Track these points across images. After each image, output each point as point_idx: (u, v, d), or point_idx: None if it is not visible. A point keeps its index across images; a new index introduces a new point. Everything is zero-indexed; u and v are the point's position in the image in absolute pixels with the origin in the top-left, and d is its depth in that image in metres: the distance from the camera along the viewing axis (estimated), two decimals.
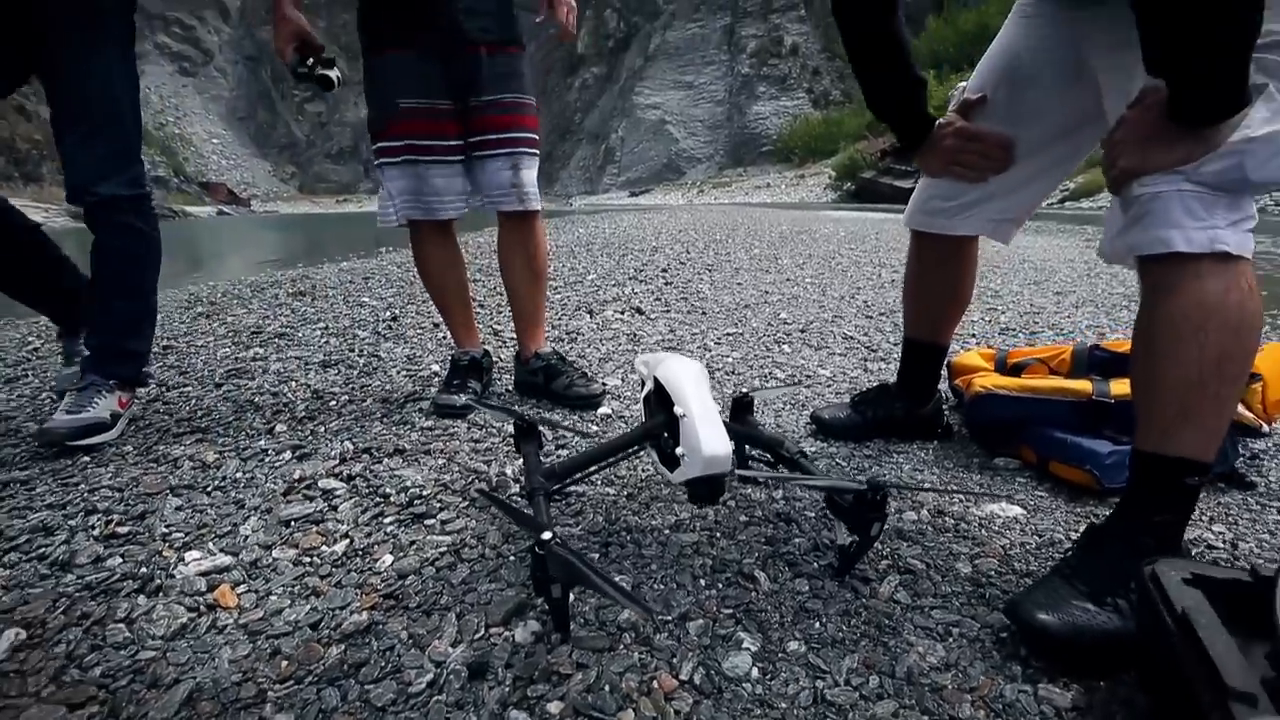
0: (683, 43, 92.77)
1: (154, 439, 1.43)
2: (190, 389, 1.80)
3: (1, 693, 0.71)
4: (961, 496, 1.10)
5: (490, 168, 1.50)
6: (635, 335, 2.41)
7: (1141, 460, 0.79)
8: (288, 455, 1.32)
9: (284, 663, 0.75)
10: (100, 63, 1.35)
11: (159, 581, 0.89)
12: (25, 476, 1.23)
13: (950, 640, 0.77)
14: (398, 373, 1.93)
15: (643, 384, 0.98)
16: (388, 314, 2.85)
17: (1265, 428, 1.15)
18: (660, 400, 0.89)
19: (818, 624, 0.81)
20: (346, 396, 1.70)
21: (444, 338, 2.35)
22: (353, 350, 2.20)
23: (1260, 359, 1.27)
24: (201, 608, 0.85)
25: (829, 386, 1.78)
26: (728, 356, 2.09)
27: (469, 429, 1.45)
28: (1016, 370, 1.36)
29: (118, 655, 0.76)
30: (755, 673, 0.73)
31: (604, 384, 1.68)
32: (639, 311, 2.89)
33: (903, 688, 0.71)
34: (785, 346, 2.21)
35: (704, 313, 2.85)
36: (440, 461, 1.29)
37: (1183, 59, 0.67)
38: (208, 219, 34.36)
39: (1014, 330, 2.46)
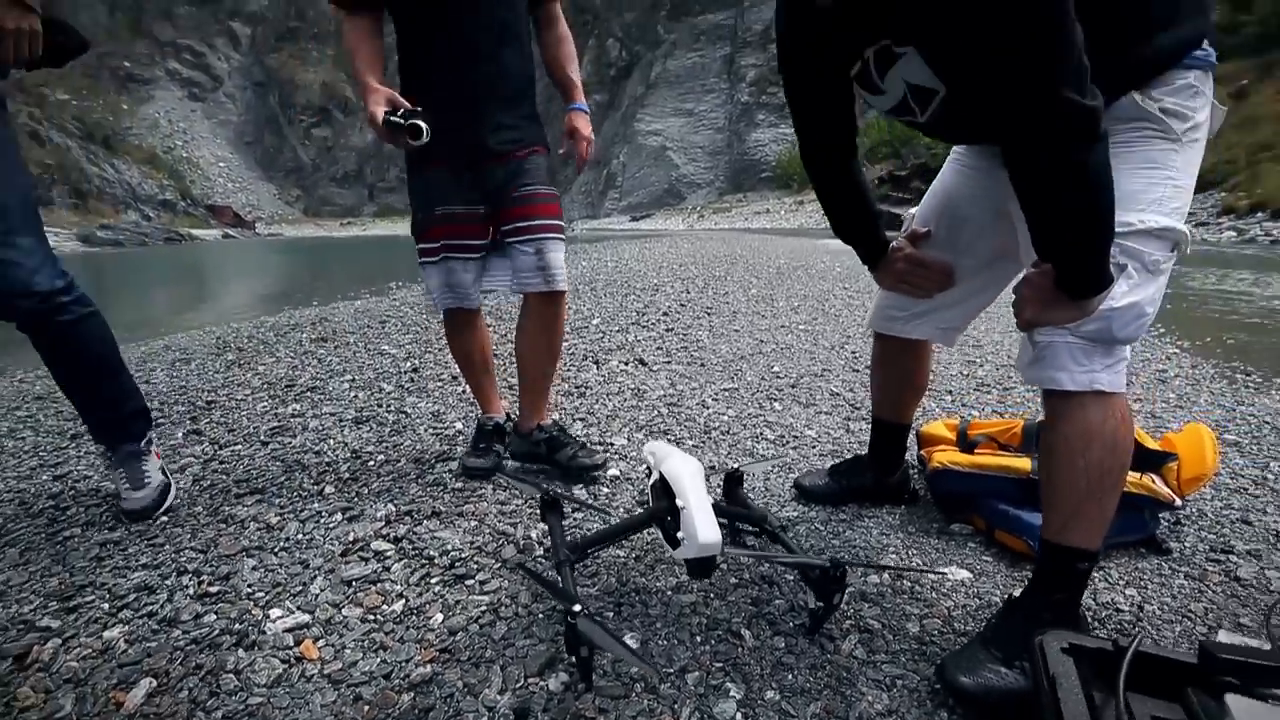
0: (683, 71, 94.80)
1: (219, 499, 1.63)
2: (240, 447, 2.00)
3: None
4: (915, 565, 1.30)
5: (519, 252, 1.64)
6: (640, 390, 2.62)
7: (1045, 547, 0.99)
8: (339, 517, 1.52)
9: (366, 707, 0.95)
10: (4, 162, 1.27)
11: (253, 637, 1.09)
12: (117, 538, 1.43)
13: (894, 690, 0.97)
14: (425, 430, 2.14)
15: (650, 471, 1.19)
16: (408, 364, 3.06)
17: (1178, 502, 1.35)
18: (664, 490, 1.09)
19: (790, 675, 1.01)
20: (382, 456, 1.91)
21: (464, 392, 2.56)
22: (380, 405, 2.41)
23: (1179, 438, 1.49)
24: (291, 660, 1.05)
25: (814, 448, 1.98)
26: (724, 414, 2.30)
27: (494, 491, 1.66)
28: (972, 446, 1.57)
29: (232, 700, 0.96)
30: (738, 716, 0.93)
31: (606, 454, 1.83)
32: (642, 363, 3.10)
33: None
34: (776, 404, 2.42)
35: (703, 364, 3.06)
36: (472, 524, 1.49)
37: (1058, 257, 0.89)
38: (214, 242, 34.81)
39: (989, 387, 2.67)
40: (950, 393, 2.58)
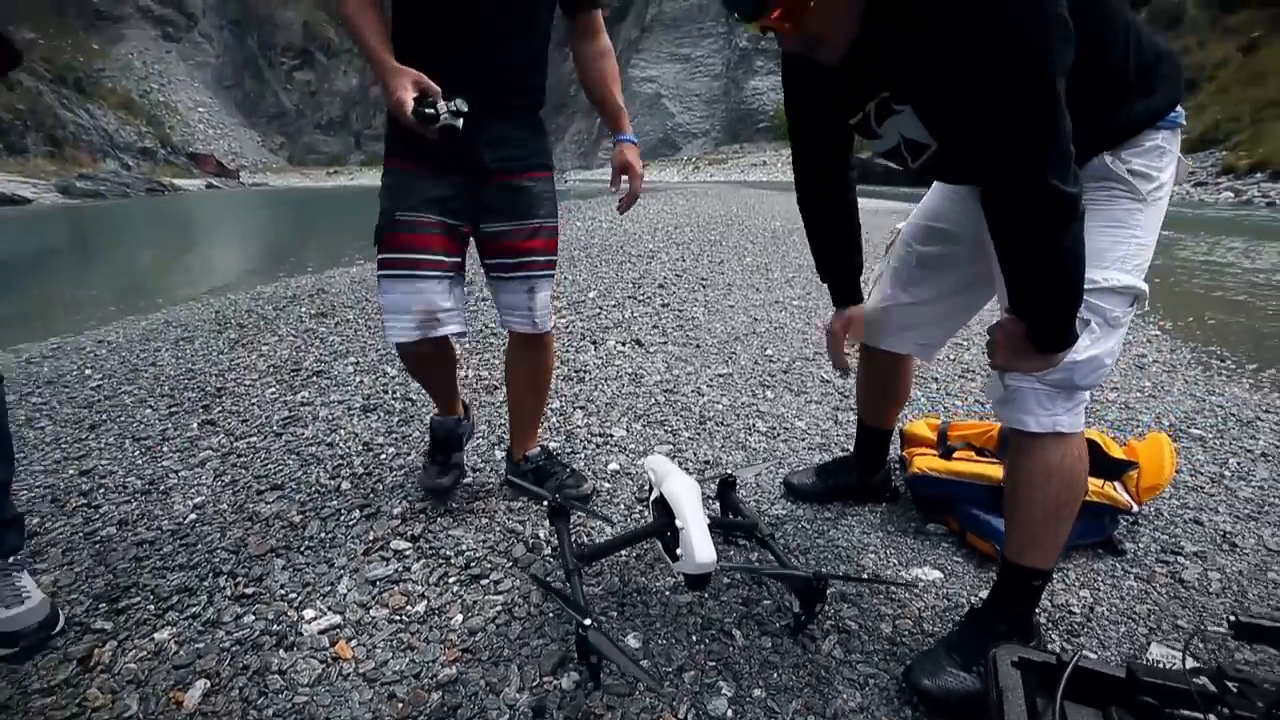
0: (680, 13, 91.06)
1: (241, 496, 1.73)
2: (255, 439, 2.09)
3: None
4: (891, 569, 1.43)
5: (505, 289, 1.53)
6: (636, 375, 2.70)
7: (1004, 565, 1.11)
8: (357, 514, 1.63)
9: (399, 704, 1.07)
10: None
11: (291, 638, 1.20)
12: (151, 538, 1.53)
13: (867, 689, 1.10)
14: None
15: (650, 488, 1.28)
16: None
17: (1135, 508, 1.47)
18: (664, 509, 1.19)
19: (776, 674, 1.13)
20: (393, 449, 2.00)
21: (464, 376, 2.64)
22: (386, 392, 2.49)
23: (1142, 447, 1.60)
24: (329, 660, 1.16)
25: (803, 440, 2.09)
26: (718, 403, 2.40)
27: (501, 489, 1.76)
28: (951, 451, 1.67)
29: (280, 699, 1.07)
30: (730, 713, 1.05)
31: (594, 482, 1.75)
32: (639, 344, 3.18)
33: None
34: (769, 392, 2.52)
35: (698, 345, 3.14)
36: (483, 521, 1.60)
37: (1030, 317, 0.96)
38: (198, 194, 33.95)
39: (973, 373, 2.77)
40: (935, 379, 2.69)
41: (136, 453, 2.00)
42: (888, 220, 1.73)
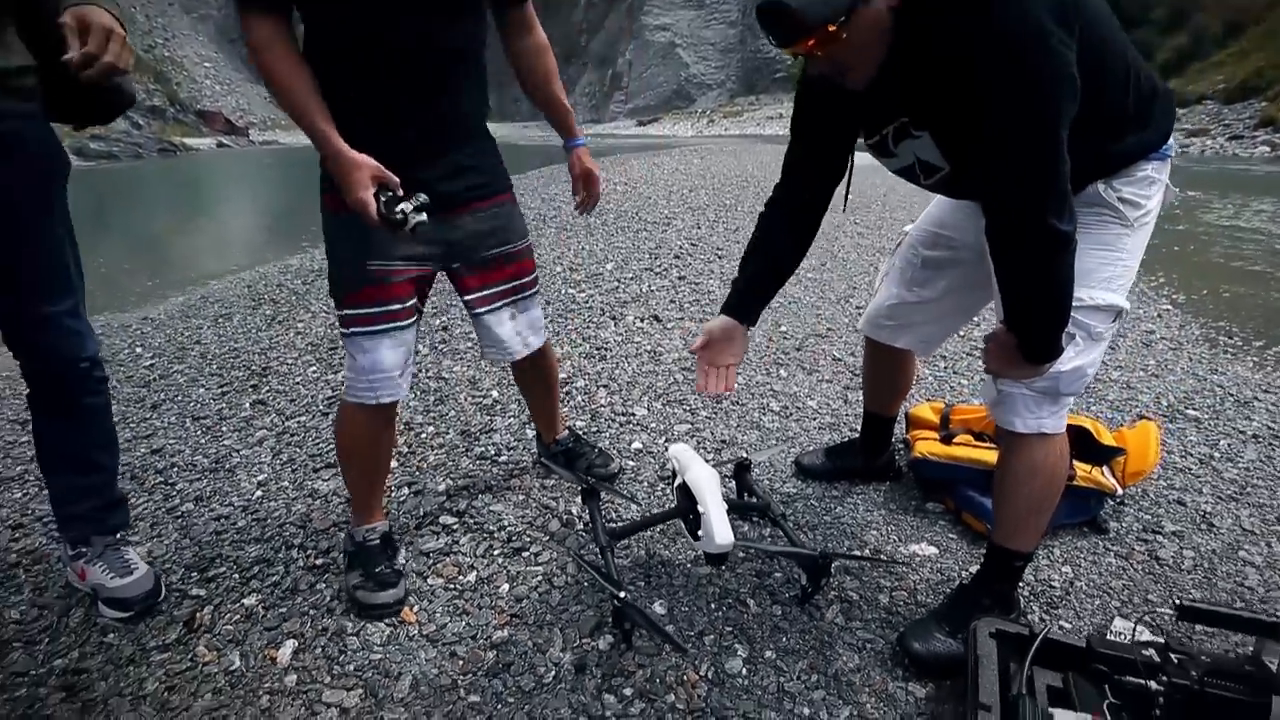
0: None
1: (300, 474, 1.90)
2: (305, 418, 2.26)
3: (299, 682, 1.20)
4: (891, 545, 1.57)
5: (492, 322, 1.45)
6: (655, 352, 2.83)
7: (991, 547, 1.25)
8: (406, 491, 1.80)
9: (460, 662, 1.24)
10: (63, 231, 1.23)
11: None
12: (227, 513, 1.72)
13: (864, 652, 1.26)
14: (465, 399, 2.38)
15: (673, 475, 1.43)
16: (437, 322, 3.27)
17: (1119, 491, 1.59)
18: (687, 494, 1.34)
19: (785, 638, 1.29)
20: (431, 428, 2.17)
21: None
22: (421, 370, 2.65)
23: (1131, 435, 1.71)
24: (395, 623, 1.34)
25: (814, 420, 2.22)
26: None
27: (534, 467, 1.92)
28: (952, 436, 1.79)
29: (358, 657, 1.26)
30: (744, 671, 1.22)
31: (619, 462, 1.87)
32: (656, 319, 3.29)
33: (831, 682, 1.19)
34: (782, 370, 2.64)
35: None
36: (520, 498, 1.76)
37: (1022, 332, 1.07)
38: (209, 153, 33.88)
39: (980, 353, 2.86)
40: (945, 357, 2.79)
41: (198, 432, 2.18)
42: (884, 177, 1.74)
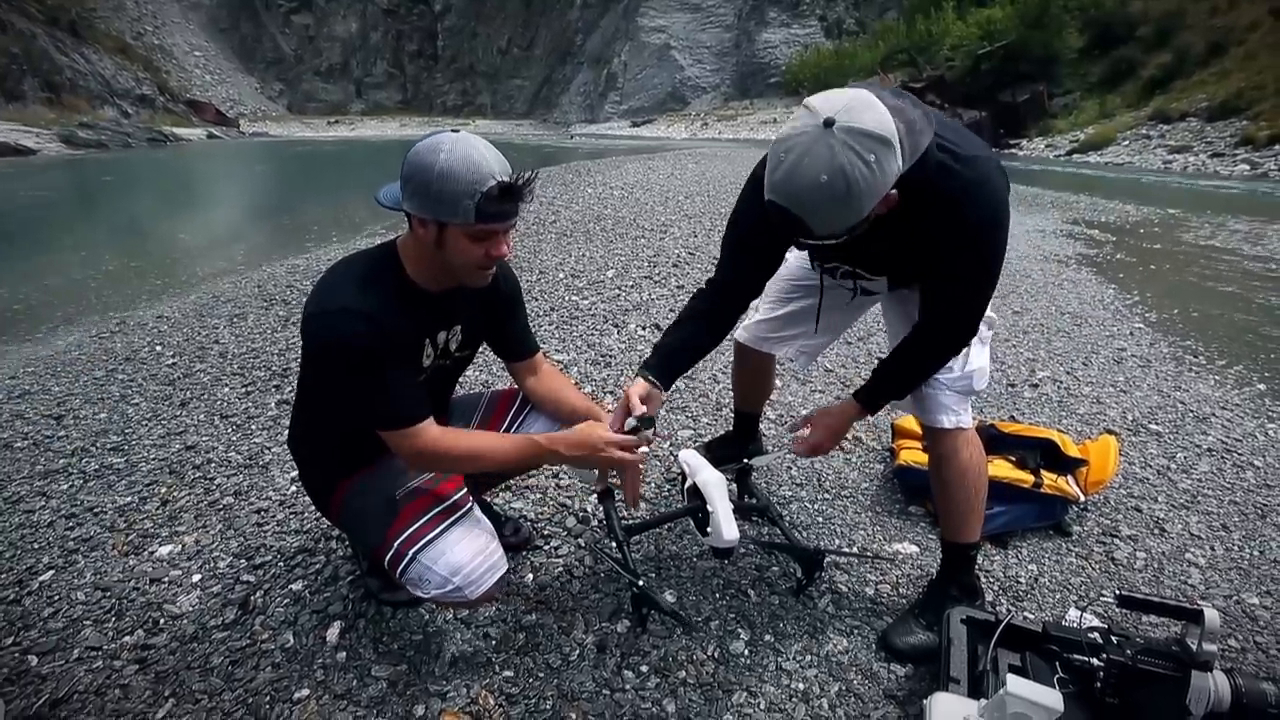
0: None
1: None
2: None
3: (349, 658, 1.34)
4: (877, 543, 1.74)
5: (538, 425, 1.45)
6: None
7: (945, 545, 1.43)
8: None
9: (494, 641, 1.39)
10: None
11: None
12: (265, 505, 1.85)
13: (852, 637, 1.42)
14: None
15: (683, 477, 1.58)
16: None
17: (1082, 499, 1.77)
18: (696, 494, 1.49)
19: (782, 624, 1.45)
20: None
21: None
22: None
23: (1094, 447, 1.89)
24: (431, 608, 1.48)
25: None
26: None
27: (547, 466, 2.06)
28: None
29: (401, 637, 1.40)
30: (746, 652, 1.38)
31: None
32: (658, 328, 3.44)
33: (823, 663, 1.35)
34: (777, 381, 2.80)
35: None
36: (537, 496, 1.91)
37: (891, 398, 1.36)
38: (200, 143, 33.60)
39: None
40: None
41: (228, 430, 2.30)
42: None
